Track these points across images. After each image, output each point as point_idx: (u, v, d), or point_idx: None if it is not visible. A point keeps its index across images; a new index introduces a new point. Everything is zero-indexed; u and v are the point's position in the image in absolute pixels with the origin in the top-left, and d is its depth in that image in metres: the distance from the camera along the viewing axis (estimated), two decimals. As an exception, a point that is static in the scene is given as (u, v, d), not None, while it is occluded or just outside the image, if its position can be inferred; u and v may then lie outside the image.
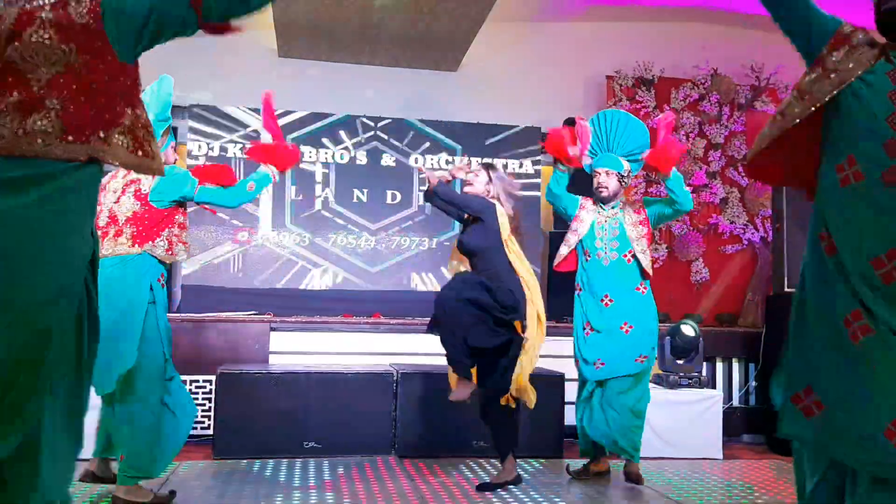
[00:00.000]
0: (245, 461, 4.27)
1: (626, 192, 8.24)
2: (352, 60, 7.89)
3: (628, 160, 4.08)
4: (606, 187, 4.03)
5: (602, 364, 3.90)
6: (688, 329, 5.05)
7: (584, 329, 4.01)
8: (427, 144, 7.63)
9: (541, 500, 3.64)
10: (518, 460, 4.46)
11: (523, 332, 3.73)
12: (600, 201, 4.08)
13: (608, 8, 8.13)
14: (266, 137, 3.66)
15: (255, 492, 3.65)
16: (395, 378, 4.69)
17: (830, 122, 1.91)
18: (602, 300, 3.97)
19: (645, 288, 4.03)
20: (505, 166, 7.69)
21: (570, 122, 4.34)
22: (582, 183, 4.32)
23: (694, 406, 4.88)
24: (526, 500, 3.63)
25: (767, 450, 5.15)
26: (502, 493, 3.74)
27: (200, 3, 1.88)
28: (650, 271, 4.06)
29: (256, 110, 7.36)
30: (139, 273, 3.21)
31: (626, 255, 3.98)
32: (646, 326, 3.95)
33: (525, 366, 3.73)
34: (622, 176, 4.07)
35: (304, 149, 7.42)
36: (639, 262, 3.98)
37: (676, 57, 8.25)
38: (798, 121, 1.90)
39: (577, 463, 4.18)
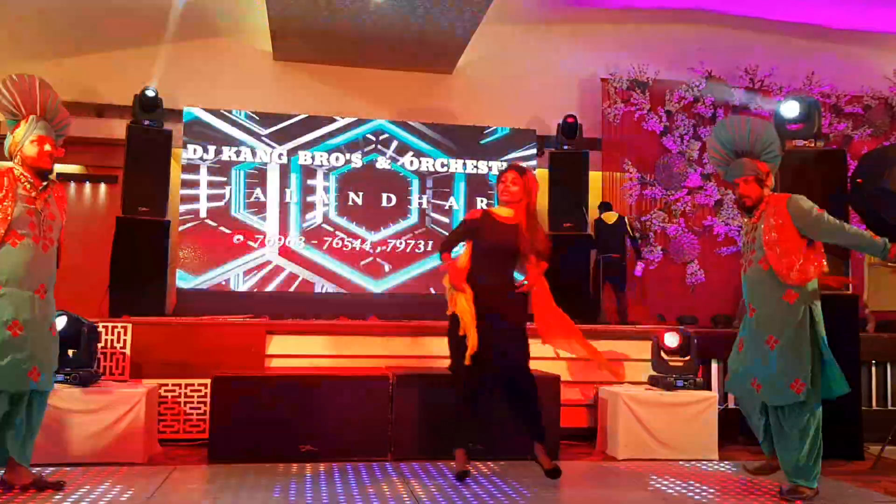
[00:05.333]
0: (241, 465, 4.26)
1: (622, 195, 8.29)
2: (347, 63, 7.90)
3: (763, 159, 3.89)
4: (749, 195, 3.84)
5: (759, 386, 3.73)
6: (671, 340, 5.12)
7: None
8: (424, 147, 7.63)
9: (537, 501, 3.64)
10: (514, 462, 4.47)
11: None
12: (746, 211, 3.91)
13: (603, 11, 8.15)
14: None
15: (251, 496, 3.64)
16: (391, 381, 4.68)
17: None
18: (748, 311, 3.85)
19: (793, 295, 3.70)
20: (500, 168, 7.70)
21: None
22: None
23: (689, 408, 4.89)
24: (521, 501, 3.63)
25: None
26: (499, 496, 3.74)
27: None
28: (783, 276, 3.71)
29: (253, 113, 7.37)
30: None
31: (762, 263, 3.76)
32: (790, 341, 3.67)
33: None
34: (761, 179, 3.85)
35: (300, 152, 7.42)
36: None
37: (671, 59, 8.27)
38: None
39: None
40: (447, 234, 4.25)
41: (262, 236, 7.26)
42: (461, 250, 4.16)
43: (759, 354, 3.74)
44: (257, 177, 7.33)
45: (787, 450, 3.74)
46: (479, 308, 3.93)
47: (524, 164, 7.81)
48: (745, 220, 3.97)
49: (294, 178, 7.39)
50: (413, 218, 7.53)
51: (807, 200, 3.79)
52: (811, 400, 3.67)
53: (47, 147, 3.55)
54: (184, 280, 7.02)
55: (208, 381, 4.77)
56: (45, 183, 3.58)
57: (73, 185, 7.78)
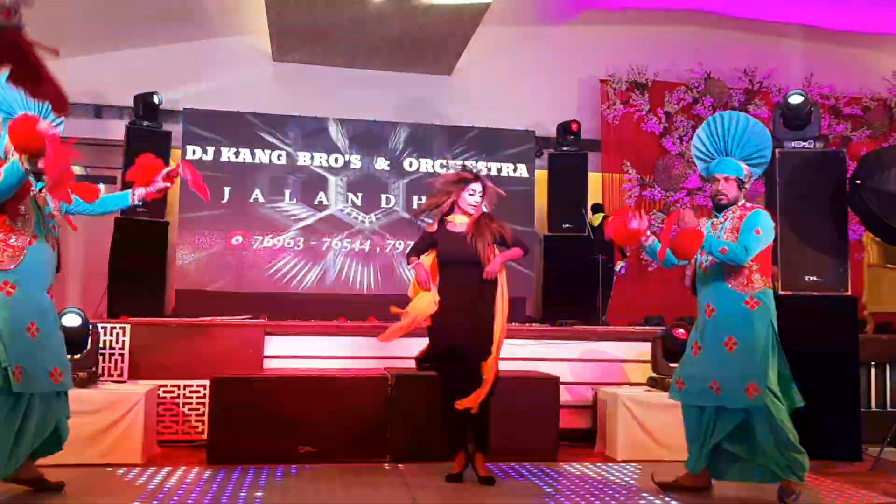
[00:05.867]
0: (239, 466, 4.26)
1: (621, 196, 8.30)
2: (346, 64, 7.90)
3: (748, 163, 3.81)
4: (726, 195, 3.74)
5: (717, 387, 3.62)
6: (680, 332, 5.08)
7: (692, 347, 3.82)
8: (422, 148, 7.63)
9: (536, 503, 3.63)
10: (513, 462, 4.47)
11: None
12: (717, 209, 3.83)
13: (602, 12, 8.15)
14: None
15: (250, 497, 3.64)
16: (390, 382, 4.68)
17: None
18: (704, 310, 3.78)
19: (755, 303, 3.65)
20: (499, 170, 7.70)
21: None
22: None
23: (689, 409, 4.88)
24: (520, 503, 3.62)
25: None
26: (498, 497, 3.73)
27: None
28: (728, 282, 3.69)
29: (252, 114, 7.36)
30: None
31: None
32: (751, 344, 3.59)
33: None
34: (742, 181, 3.78)
35: (300, 153, 7.42)
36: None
37: (670, 60, 8.28)
38: None
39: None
40: None
41: (261, 237, 7.26)
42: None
43: (718, 356, 3.66)
44: (257, 178, 7.32)
45: (765, 451, 3.62)
46: (446, 310, 3.94)
47: (521, 165, 7.84)
48: (712, 219, 3.86)
49: (293, 179, 7.38)
50: (408, 220, 7.52)
51: (766, 218, 3.69)
52: (776, 403, 3.56)
53: None
54: (184, 281, 7.02)
55: (207, 382, 4.76)
56: (41, 182, 3.57)
57: (71, 185, 7.78)
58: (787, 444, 3.56)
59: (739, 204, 3.78)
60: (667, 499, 3.76)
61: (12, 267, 3.35)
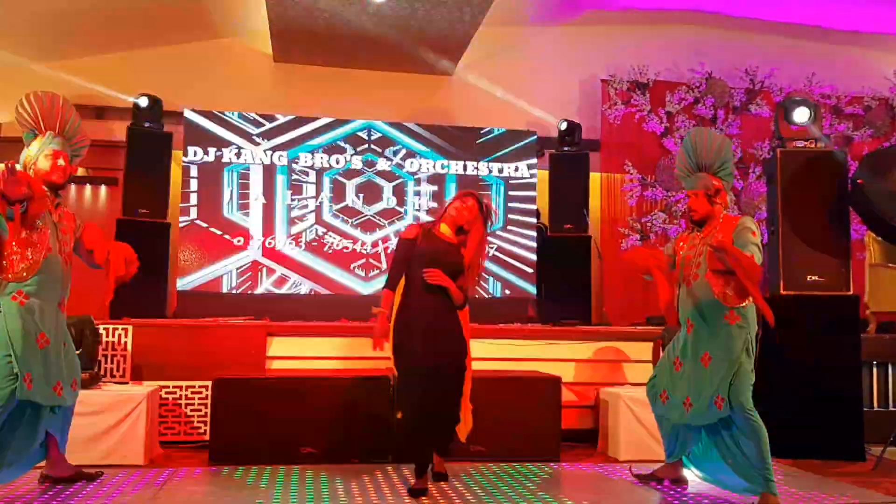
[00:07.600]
0: (241, 468, 4.26)
1: (622, 196, 8.28)
2: (347, 65, 7.90)
3: (717, 176, 3.86)
4: (696, 210, 3.84)
5: (691, 406, 3.68)
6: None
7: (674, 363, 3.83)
8: (423, 149, 7.63)
9: (538, 503, 3.64)
10: (515, 464, 4.47)
11: None
12: (695, 224, 3.89)
13: (602, 12, 8.15)
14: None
15: (252, 498, 3.64)
16: (391, 382, 4.67)
17: None
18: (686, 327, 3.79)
19: (735, 317, 3.63)
20: (500, 170, 7.70)
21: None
22: None
23: (691, 409, 4.87)
24: (522, 503, 3.63)
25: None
26: (500, 498, 3.73)
27: None
28: (718, 296, 3.66)
29: (252, 115, 7.36)
30: None
31: (708, 277, 3.69)
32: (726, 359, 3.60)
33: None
34: (710, 195, 3.82)
35: (301, 154, 7.42)
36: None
37: (671, 60, 8.27)
38: None
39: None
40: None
41: (263, 237, 7.26)
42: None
43: (695, 373, 3.69)
44: (258, 178, 7.33)
45: (746, 465, 3.60)
46: (413, 331, 3.88)
47: (522, 165, 7.83)
48: (692, 232, 3.91)
49: (294, 180, 7.38)
50: (410, 220, 7.52)
51: (753, 222, 3.73)
52: (744, 409, 3.55)
53: (61, 162, 3.59)
54: (182, 282, 7.02)
55: (209, 383, 4.77)
56: (59, 199, 3.64)
57: (73, 187, 7.77)
58: (766, 459, 3.53)
59: (721, 216, 3.82)
60: (668, 498, 3.76)
61: (27, 278, 3.41)
